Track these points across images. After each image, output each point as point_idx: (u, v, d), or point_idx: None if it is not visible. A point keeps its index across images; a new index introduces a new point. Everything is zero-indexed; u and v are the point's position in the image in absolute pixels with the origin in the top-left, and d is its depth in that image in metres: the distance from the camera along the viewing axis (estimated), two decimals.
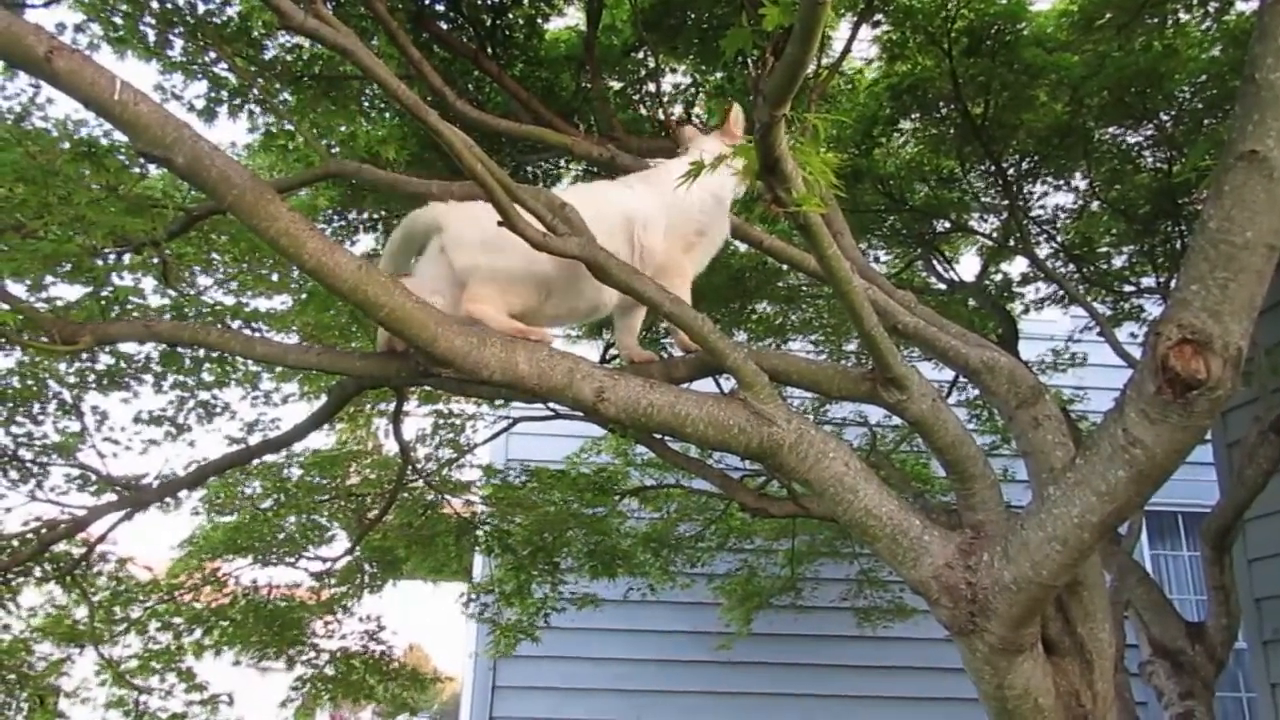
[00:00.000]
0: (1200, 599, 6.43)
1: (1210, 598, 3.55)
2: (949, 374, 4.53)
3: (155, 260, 2.79)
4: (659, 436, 3.69)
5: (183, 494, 3.58)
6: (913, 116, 3.97)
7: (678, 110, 3.94)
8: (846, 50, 3.51)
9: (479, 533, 4.62)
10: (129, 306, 2.90)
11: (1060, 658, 1.84)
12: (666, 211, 1.98)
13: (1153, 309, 4.63)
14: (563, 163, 3.94)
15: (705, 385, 2.18)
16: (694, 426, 1.74)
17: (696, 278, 2.08)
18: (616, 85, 3.82)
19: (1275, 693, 4.31)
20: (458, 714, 6.84)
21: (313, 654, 4.51)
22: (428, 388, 4.23)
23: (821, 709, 6.34)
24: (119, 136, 2.67)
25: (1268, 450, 3.29)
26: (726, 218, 2.09)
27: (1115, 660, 1.95)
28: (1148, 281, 4.54)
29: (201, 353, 3.26)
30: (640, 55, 3.69)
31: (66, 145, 2.75)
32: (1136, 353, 3.36)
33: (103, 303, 2.74)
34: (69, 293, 2.91)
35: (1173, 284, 2.72)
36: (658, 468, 4.94)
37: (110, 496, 3.30)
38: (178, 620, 4.16)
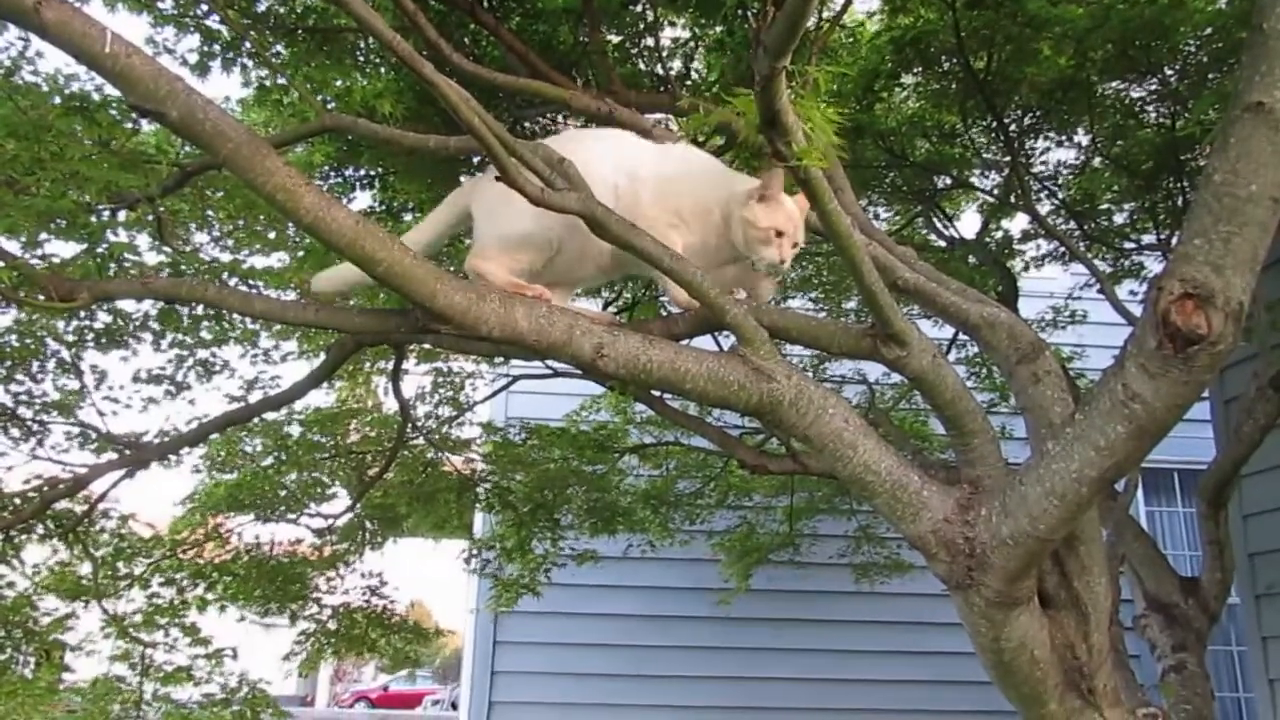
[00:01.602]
0: (1194, 555, 6.49)
1: (1205, 552, 3.58)
2: (948, 332, 4.54)
3: (150, 217, 2.77)
4: (658, 394, 3.69)
5: (183, 451, 3.59)
6: (915, 71, 3.92)
7: (677, 64, 3.89)
8: (848, 2, 3.46)
9: (479, 489, 4.65)
10: (125, 264, 2.89)
11: (1056, 611, 1.86)
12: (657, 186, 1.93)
13: (1154, 266, 4.61)
14: (560, 117, 3.90)
15: (704, 342, 2.18)
16: (693, 383, 1.74)
17: None
18: (615, 39, 3.76)
19: (1267, 646, 4.36)
20: (459, 669, 6.93)
21: (315, 608, 4.55)
22: (427, 345, 4.24)
23: (820, 663, 6.42)
24: (111, 91, 2.64)
25: (1265, 406, 3.30)
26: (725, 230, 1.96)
27: (1110, 614, 1.96)
28: (1149, 238, 4.52)
29: (200, 310, 3.25)
30: (639, 8, 3.63)
31: (58, 100, 2.72)
32: (1136, 310, 3.35)
33: (98, 260, 2.73)
34: (64, 250, 2.90)
35: (1174, 240, 2.71)
36: (657, 425, 4.96)
37: (111, 454, 3.31)
38: (181, 575, 4.19)
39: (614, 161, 1.94)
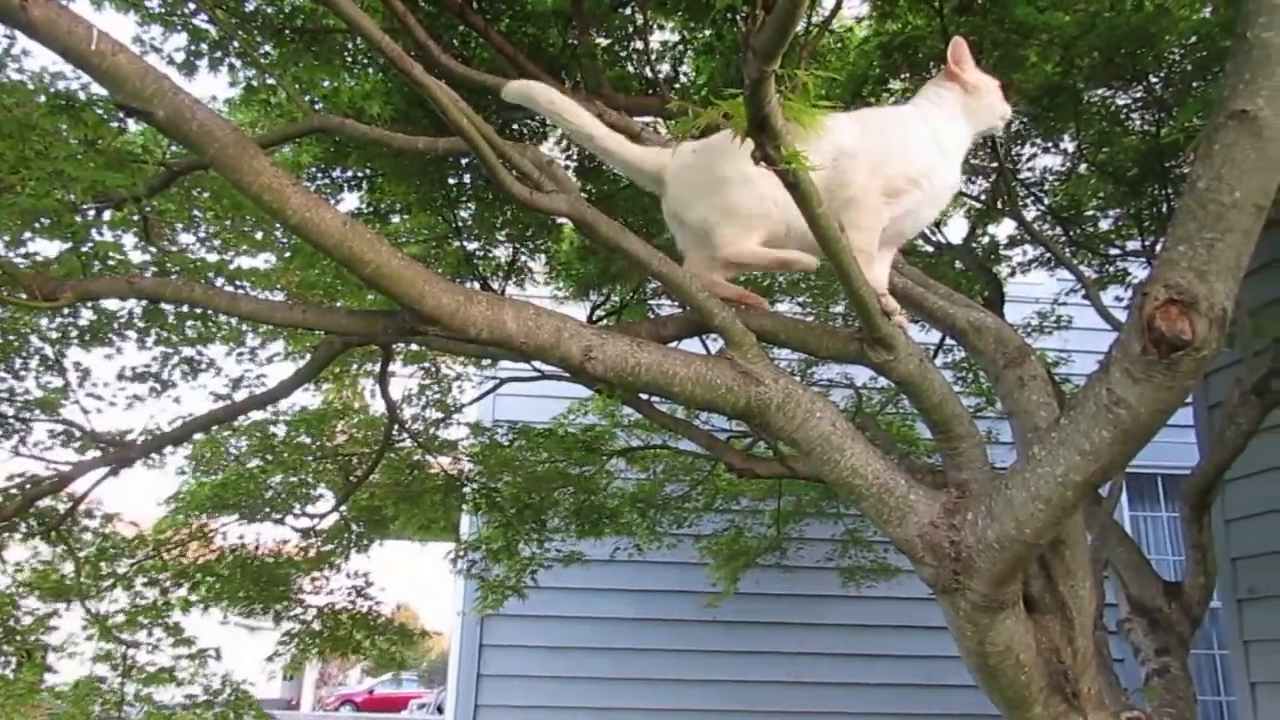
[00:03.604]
0: (1178, 559, 6.53)
1: (1188, 557, 3.60)
2: (935, 336, 4.56)
3: (136, 216, 2.76)
4: (646, 397, 3.69)
5: (168, 451, 3.57)
6: (903, 76, 3.94)
7: (666, 67, 3.90)
8: (837, 7, 3.48)
9: (466, 491, 4.64)
10: (110, 263, 2.87)
11: (1041, 615, 1.87)
12: (869, 149, 1.80)
13: (1139, 272, 4.63)
14: (548, 120, 3.89)
15: (692, 345, 2.18)
16: (681, 386, 1.73)
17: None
18: (604, 42, 3.77)
19: (1248, 650, 4.39)
20: (446, 672, 6.92)
21: (300, 609, 4.53)
22: (415, 347, 4.23)
23: (806, 666, 6.43)
24: (97, 90, 2.63)
25: (1248, 411, 3.32)
26: (950, 169, 1.87)
27: (1095, 618, 1.97)
28: (1134, 244, 4.55)
29: (185, 308, 3.24)
30: (628, 11, 3.64)
31: (43, 98, 2.70)
32: (1121, 316, 3.37)
33: (83, 259, 2.71)
34: (48, 249, 2.88)
35: (1159, 246, 2.73)
36: (645, 429, 4.96)
37: (94, 453, 3.29)
38: (164, 575, 4.17)
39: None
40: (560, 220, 3.79)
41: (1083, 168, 4.37)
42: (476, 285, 4.15)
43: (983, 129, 1.92)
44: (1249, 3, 1.39)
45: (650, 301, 4.54)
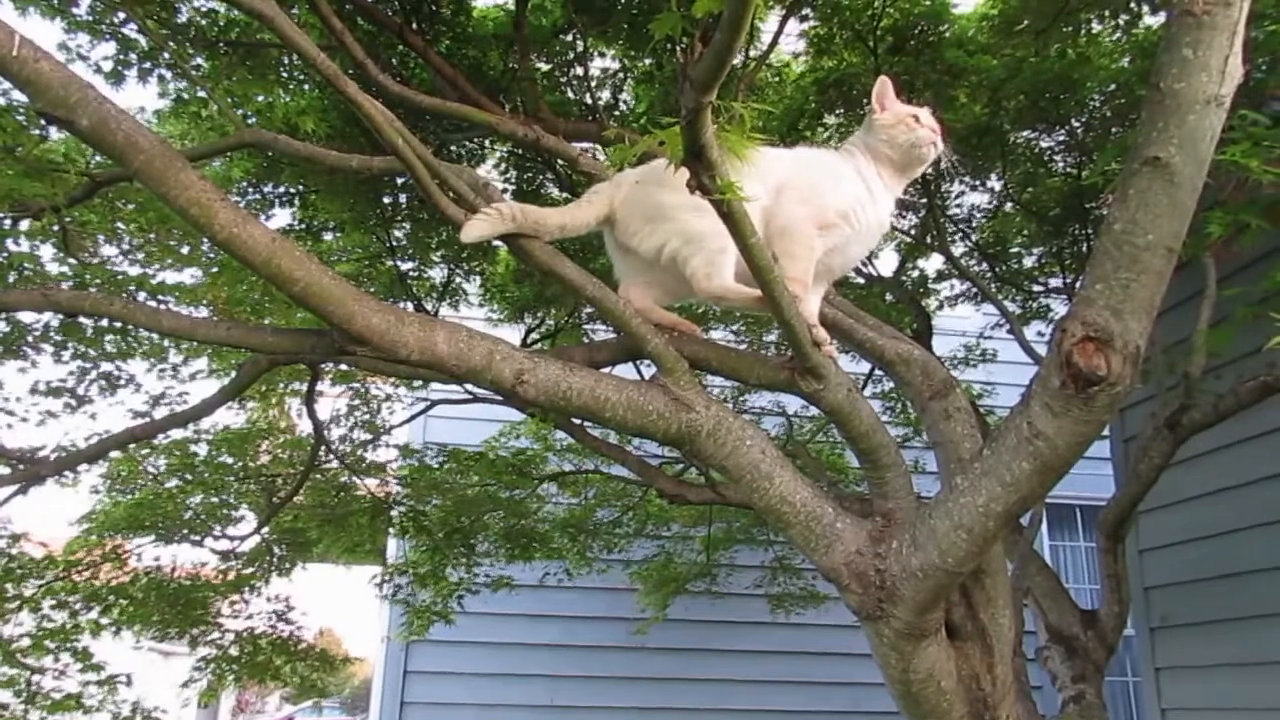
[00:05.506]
0: (1094, 588, 6.71)
1: (1103, 586, 3.69)
2: (864, 367, 4.64)
3: (55, 227, 2.67)
4: (579, 421, 3.68)
5: (82, 469, 3.45)
6: (837, 111, 4.03)
7: (605, 94, 3.92)
8: (774, 42, 3.54)
9: (394, 513, 4.56)
10: (25, 274, 2.78)
11: (963, 642, 1.90)
12: (801, 179, 1.81)
13: (1059, 308, 4.79)
14: (487, 142, 3.89)
15: (626, 371, 2.18)
16: (613, 411, 1.73)
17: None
18: (545, 67, 3.78)
19: (1160, 677, 4.52)
20: (369, 699, 6.76)
21: (218, 634, 4.39)
22: (344, 367, 4.16)
23: (735, 693, 6.44)
24: (18, 96, 2.55)
25: (1161, 445, 3.43)
26: (877, 210, 1.85)
27: (1014, 645, 2.01)
28: (1055, 282, 4.70)
29: (105, 322, 3.14)
30: (570, 37, 3.66)
31: None
32: (1043, 350, 3.48)
33: None
34: None
35: (1078, 284, 2.82)
36: (577, 453, 4.94)
37: (3, 470, 3.15)
38: (74, 598, 4.01)
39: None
40: (495, 243, 3.78)
41: (1008, 206, 4.51)
42: (409, 306, 4.10)
43: (900, 159, 1.86)
44: (1162, 55, 1.45)
45: (585, 326, 4.55)
